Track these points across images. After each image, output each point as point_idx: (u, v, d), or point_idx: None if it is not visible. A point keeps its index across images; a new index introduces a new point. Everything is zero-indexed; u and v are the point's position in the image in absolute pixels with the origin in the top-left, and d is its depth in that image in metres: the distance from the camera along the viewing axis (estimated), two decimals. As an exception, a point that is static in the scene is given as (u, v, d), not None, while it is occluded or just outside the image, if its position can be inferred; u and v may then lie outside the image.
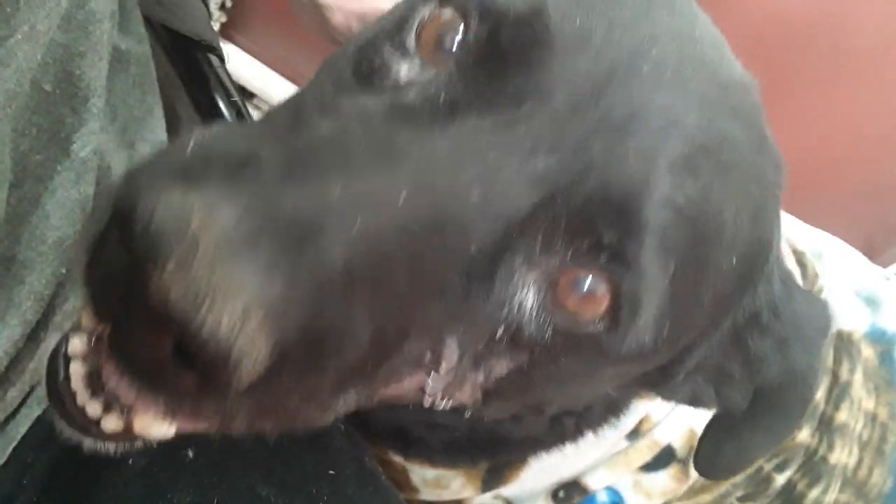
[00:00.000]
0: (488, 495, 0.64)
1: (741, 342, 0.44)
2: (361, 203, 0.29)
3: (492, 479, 0.62)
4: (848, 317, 0.67)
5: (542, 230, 0.34)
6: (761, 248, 0.41)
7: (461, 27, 0.36)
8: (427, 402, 0.39)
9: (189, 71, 0.65)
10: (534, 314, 0.36)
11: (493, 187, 0.32)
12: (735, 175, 0.37)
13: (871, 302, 0.69)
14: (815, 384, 0.45)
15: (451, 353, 0.36)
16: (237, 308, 0.25)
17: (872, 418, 0.66)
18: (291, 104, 0.39)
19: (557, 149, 0.33)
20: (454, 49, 0.36)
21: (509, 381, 0.39)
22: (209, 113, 0.66)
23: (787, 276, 0.44)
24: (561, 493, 0.63)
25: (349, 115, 0.34)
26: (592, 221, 0.34)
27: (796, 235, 0.71)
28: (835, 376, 0.66)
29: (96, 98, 0.43)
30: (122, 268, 0.26)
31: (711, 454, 0.50)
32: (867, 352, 0.67)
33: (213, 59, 0.66)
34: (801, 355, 0.44)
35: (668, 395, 0.50)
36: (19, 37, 0.35)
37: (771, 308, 0.44)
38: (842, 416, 0.65)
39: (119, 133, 0.49)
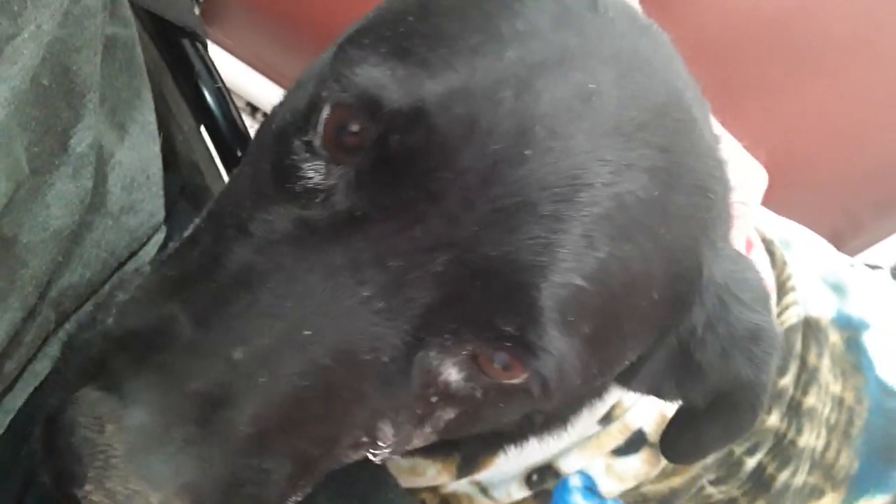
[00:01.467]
0: (463, 481, 0.64)
1: (686, 353, 0.45)
2: (264, 356, 0.33)
3: (467, 466, 0.63)
4: (815, 304, 0.69)
5: (449, 326, 0.35)
6: (685, 276, 0.41)
7: (357, 126, 0.36)
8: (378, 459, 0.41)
9: (172, 57, 0.65)
10: (462, 384, 0.38)
11: (397, 292, 0.34)
12: (638, 230, 0.36)
13: (838, 289, 0.71)
14: (763, 396, 0.45)
15: (386, 432, 0.39)
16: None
17: (839, 402, 0.68)
18: (213, 218, 0.41)
19: (453, 246, 0.34)
20: (354, 149, 0.36)
21: (458, 421, 0.41)
22: (194, 99, 0.66)
23: (725, 290, 0.44)
24: (534, 477, 0.63)
25: (257, 244, 0.36)
26: (492, 315, 0.35)
27: (765, 225, 0.72)
28: (803, 362, 0.67)
29: (92, 93, 0.43)
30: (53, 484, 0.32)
31: (673, 440, 0.52)
32: (834, 337, 0.69)
33: (198, 46, 0.66)
34: (745, 367, 0.45)
35: (628, 389, 0.51)
36: (26, 35, 0.35)
37: (706, 325, 0.44)
38: (810, 400, 0.67)
39: (109, 115, 0.49)
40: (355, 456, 0.40)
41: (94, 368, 0.33)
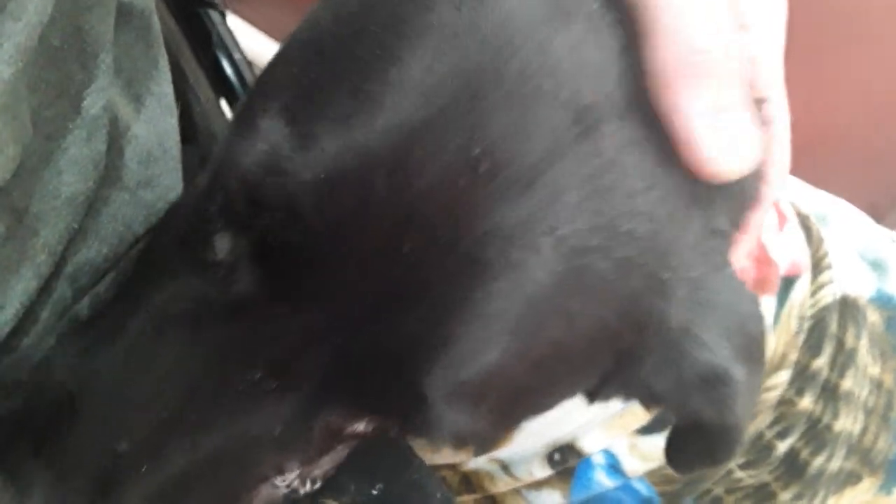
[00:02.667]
0: (483, 458, 0.64)
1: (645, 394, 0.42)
2: (148, 449, 0.33)
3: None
4: (853, 282, 0.66)
5: (342, 404, 0.35)
6: (615, 338, 0.36)
7: (246, 210, 0.34)
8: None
9: (191, 27, 0.65)
10: (371, 430, 0.37)
11: (286, 375, 0.34)
12: (542, 314, 0.33)
13: (878, 266, 0.68)
14: (737, 437, 0.42)
15: (291, 471, 0.39)
16: None
17: (878, 385, 0.65)
18: (125, 281, 0.41)
19: (341, 332, 0.33)
20: (248, 228, 0.34)
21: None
22: (212, 71, 0.66)
23: (681, 334, 0.38)
24: (556, 456, 0.63)
25: (155, 322, 0.36)
26: (380, 399, 0.34)
27: (801, 198, 0.69)
28: (840, 343, 0.65)
29: (105, 54, 0.43)
30: None
31: (676, 449, 0.48)
32: (873, 317, 0.66)
33: (215, 15, 0.66)
34: (706, 409, 0.40)
35: None
36: None
37: (654, 371, 0.39)
38: (847, 383, 0.64)
39: (125, 86, 0.48)
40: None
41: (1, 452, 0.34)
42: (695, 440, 0.43)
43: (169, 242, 0.39)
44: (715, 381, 0.39)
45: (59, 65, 0.40)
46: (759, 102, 0.36)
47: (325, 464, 0.41)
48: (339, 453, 0.41)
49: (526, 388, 0.35)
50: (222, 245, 0.35)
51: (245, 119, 0.35)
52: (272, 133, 0.32)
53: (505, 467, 0.65)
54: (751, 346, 0.41)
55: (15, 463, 0.33)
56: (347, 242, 0.31)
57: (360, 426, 0.37)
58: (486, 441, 0.43)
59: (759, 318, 0.42)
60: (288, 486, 0.40)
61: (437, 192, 0.30)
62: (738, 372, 0.39)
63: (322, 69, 0.34)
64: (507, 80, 0.31)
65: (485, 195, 0.30)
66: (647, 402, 0.43)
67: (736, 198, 0.40)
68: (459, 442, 0.35)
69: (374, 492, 0.48)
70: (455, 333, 0.32)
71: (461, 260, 0.31)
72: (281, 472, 0.39)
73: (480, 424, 0.35)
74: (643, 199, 0.33)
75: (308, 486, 0.42)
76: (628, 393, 0.41)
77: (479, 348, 0.32)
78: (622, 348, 0.37)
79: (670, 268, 0.35)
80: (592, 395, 0.43)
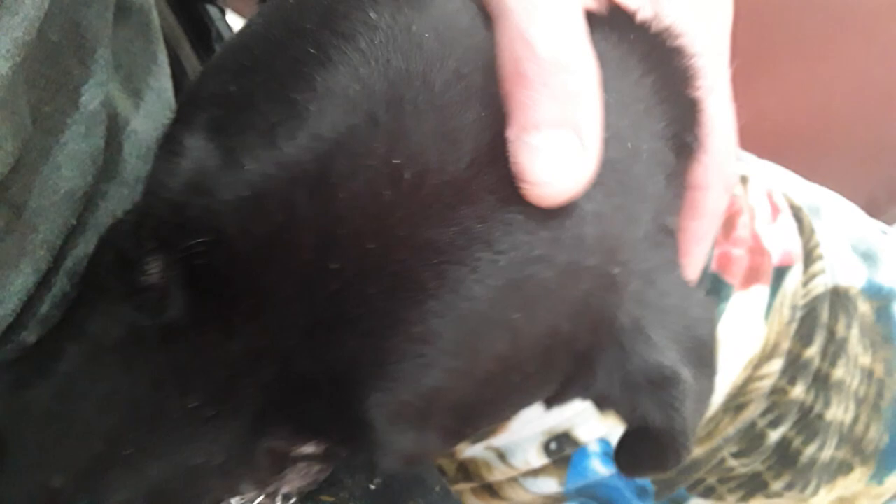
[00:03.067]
0: (479, 446, 0.64)
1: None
2: (84, 482, 0.32)
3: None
4: (844, 272, 0.67)
5: (284, 430, 0.34)
6: (563, 345, 0.35)
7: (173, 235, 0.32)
8: None
9: (190, 23, 0.65)
10: (320, 451, 0.36)
11: (225, 403, 0.32)
12: (483, 331, 0.32)
13: (868, 257, 0.69)
14: (686, 442, 0.40)
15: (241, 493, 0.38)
16: None
17: (869, 374, 0.66)
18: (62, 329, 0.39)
19: (277, 358, 0.31)
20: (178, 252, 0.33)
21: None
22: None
23: (631, 334, 0.37)
24: (553, 445, 0.63)
25: (88, 350, 0.35)
26: (322, 425, 0.33)
27: (794, 190, 0.70)
28: (831, 332, 0.66)
29: (103, 49, 0.43)
30: None
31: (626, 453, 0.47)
32: (864, 307, 0.67)
33: (214, 11, 0.66)
34: (653, 412, 0.39)
35: None
36: None
37: (606, 373, 0.38)
38: (838, 372, 0.65)
39: (124, 81, 0.49)
40: None
41: None
42: (644, 445, 0.41)
43: (108, 263, 0.37)
44: (662, 383, 0.37)
45: (57, 60, 0.40)
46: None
47: (293, 481, 0.40)
48: (304, 472, 0.39)
49: (475, 404, 0.34)
50: (154, 268, 0.33)
51: (173, 136, 0.34)
52: (196, 150, 0.31)
53: (501, 456, 0.65)
54: (701, 351, 0.39)
55: None
56: (275, 263, 0.29)
57: (309, 448, 0.36)
58: (439, 456, 0.42)
59: (709, 323, 0.41)
60: (251, 500, 0.39)
61: (361, 206, 0.29)
62: (687, 375, 0.38)
63: (253, 76, 0.32)
64: (437, 84, 0.30)
65: (411, 209, 0.29)
66: (600, 405, 0.42)
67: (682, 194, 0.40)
68: (410, 461, 0.35)
69: (372, 486, 0.49)
70: (391, 355, 0.30)
71: (392, 279, 0.29)
72: (234, 493, 0.38)
73: (429, 443, 0.34)
74: (587, 198, 0.31)
75: (280, 502, 0.41)
76: (584, 395, 0.40)
77: (418, 370, 0.31)
78: (580, 350, 0.35)
79: (620, 262, 0.34)
80: (550, 402, 0.42)
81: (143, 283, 0.34)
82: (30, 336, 0.42)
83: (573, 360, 0.36)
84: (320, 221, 0.29)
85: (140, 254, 0.33)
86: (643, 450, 0.42)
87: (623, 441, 0.44)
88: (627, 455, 0.44)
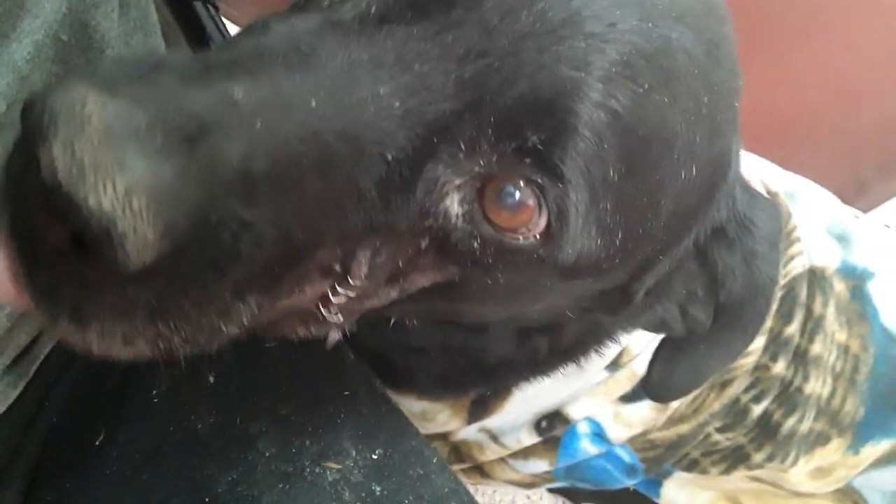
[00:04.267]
0: (473, 428, 0.65)
1: (706, 258, 0.45)
2: (265, 105, 0.30)
3: (477, 411, 0.64)
4: (820, 253, 0.69)
5: (468, 135, 0.34)
6: (721, 158, 0.41)
7: None
8: (333, 317, 0.38)
9: (185, 19, 0.66)
10: (460, 225, 0.36)
11: (416, 95, 0.33)
12: (681, 83, 0.36)
13: (842, 239, 0.71)
14: (772, 296, 0.46)
15: (359, 267, 0.36)
16: (120, 187, 0.25)
17: (845, 350, 0.69)
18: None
19: (487, 54, 0.33)
20: None
21: (440, 294, 0.39)
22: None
23: (746, 184, 0.45)
24: (543, 424, 0.65)
25: (276, 32, 0.34)
26: (519, 124, 0.33)
27: (770, 177, 0.72)
28: (808, 310, 0.68)
29: (110, 49, 0.44)
30: (19, 160, 0.28)
31: (665, 376, 0.51)
32: (839, 286, 0.69)
33: (210, 8, 0.67)
34: (764, 267, 0.45)
35: (631, 320, 0.51)
36: None
37: (738, 221, 0.45)
38: (816, 348, 0.68)
39: None
40: (315, 307, 0.37)
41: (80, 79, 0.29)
42: (717, 336, 0.47)
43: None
44: (775, 238, 0.45)
45: (67, 59, 0.41)
46: None
47: (385, 294, 0.38)
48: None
49: (640, 185, 0.36)
50: None
51: None
52: None
53: (494, 437, 0.67)
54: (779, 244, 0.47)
55: (106, 80, 0.28)
56: None
57: (455, 204, 0.35)
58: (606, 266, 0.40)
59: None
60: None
61: None
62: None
63: None
64: None
65: None
66: (708, 281, 0.46)
67: None
68: (571, 226, 0.35)
69: (374, 456, 0.50)
70: (606, 68, 0.33)
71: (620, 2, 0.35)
72: (347, 268, 0.36)
73: (594, 209, 0.35)
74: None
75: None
76: (689, 276, 0.46)
77: (623, 92, 0.34)
78: (715, 178, 0.41)
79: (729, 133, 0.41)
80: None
81: None
82: None
83: (705, 196, 0.41)
84: None
85: None
86: (717, 343, 0.47)
87: (660, 350, 0.50)
88: (665, 364, 0.50)
